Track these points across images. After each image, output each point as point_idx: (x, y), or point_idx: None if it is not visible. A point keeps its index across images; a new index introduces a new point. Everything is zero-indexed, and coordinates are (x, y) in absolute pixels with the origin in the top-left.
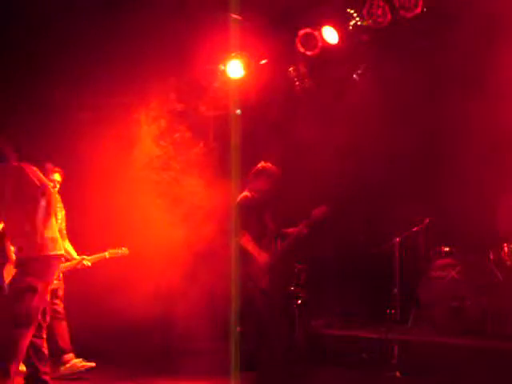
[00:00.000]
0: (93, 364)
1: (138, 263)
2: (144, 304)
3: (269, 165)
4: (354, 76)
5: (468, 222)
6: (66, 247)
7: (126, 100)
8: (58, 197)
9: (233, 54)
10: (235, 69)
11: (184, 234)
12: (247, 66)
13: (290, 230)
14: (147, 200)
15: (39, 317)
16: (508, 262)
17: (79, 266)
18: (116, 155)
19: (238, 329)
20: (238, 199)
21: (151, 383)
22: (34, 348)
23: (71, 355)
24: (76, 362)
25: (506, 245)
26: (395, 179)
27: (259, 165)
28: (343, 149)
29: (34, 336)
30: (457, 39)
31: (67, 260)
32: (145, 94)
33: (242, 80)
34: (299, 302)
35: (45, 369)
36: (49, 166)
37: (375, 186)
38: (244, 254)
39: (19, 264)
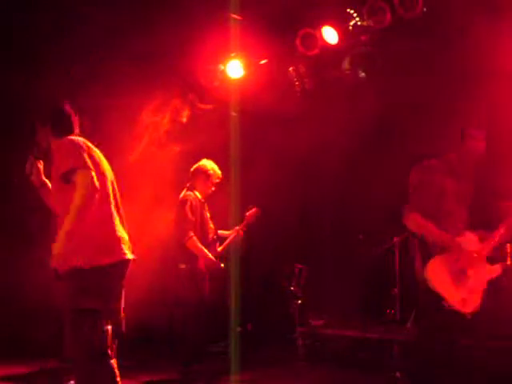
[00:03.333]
0: None
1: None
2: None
3: (208, 165)
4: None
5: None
6: None
7: (124, 100)
8: None
9: (233, 54)
10: (235, 69)
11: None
12: (247, 66)
13: (226, 233)
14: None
15: None
16: (508, 262)
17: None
18: (115, 156)
19: (239, 329)
20: (183, 198)
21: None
22: None
23: None
24: None
25: (507, 245)
26: (396, 179)
27: (199, 164)
28: (342, 148)
29: None
30: (457, 39)
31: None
32: (144, 94)
33: (241, 80)
34: (299, 301)
35: None
36: None
37: (376, 186)
38: (188, 254)
39: None
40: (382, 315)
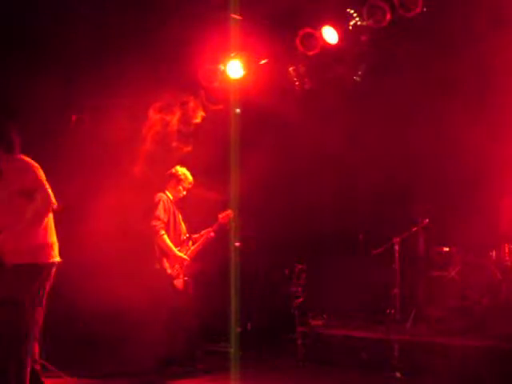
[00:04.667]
0: None
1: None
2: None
3: (180, 170)
4: (354, 77)
5: (468, 222)
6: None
7: (124, 101)
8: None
9: (233, 54)
10: (235, 69)
11: None
12: (247, 66)
13: (198, 235)
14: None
15: None
16: (508, 262)
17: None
18: (115, 155)
19: (239, 329)
20: (156, 198)
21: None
22: None
23: None
24: None
25: (506, 245)
26: (396, 179)
27: (172, 169)
28: (342, 148)
29: None
30: (456, 39)
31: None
32: (144, 94)
33: (241, 80)
34: (299, 301)
35: None
36: None
37: (375, 186)
38: (160, 251)
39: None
40: (382, 315)
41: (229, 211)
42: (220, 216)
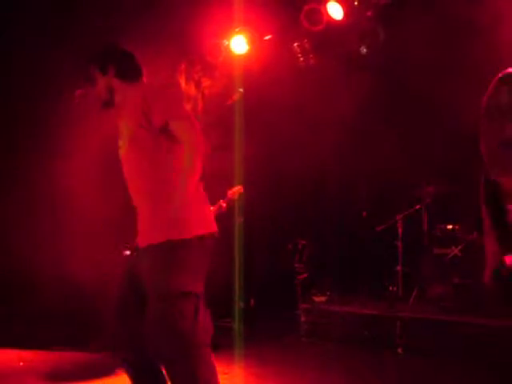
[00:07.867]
0: None
1: None
2: None
3: None
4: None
5: (472, 200)
6: None
7: None
8: None
9: (237, 29)
10: (239, 44)
11: None
12: (251, 42)
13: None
14: None
15: None
16: None
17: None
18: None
19: (242, 304)
20: None
21: None
22: None
23: None
24: None
25: None
26: (400, 155)
27: None
28: (347, 125)
29: None
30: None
31: None
32: (148, 71)
33: (245, 55)
34: (302, 278)
35: None
36: None
37: (380, 162)
38: None
39: None
40: (384, 292)
41: (238, 187)
42: (230, 192)
